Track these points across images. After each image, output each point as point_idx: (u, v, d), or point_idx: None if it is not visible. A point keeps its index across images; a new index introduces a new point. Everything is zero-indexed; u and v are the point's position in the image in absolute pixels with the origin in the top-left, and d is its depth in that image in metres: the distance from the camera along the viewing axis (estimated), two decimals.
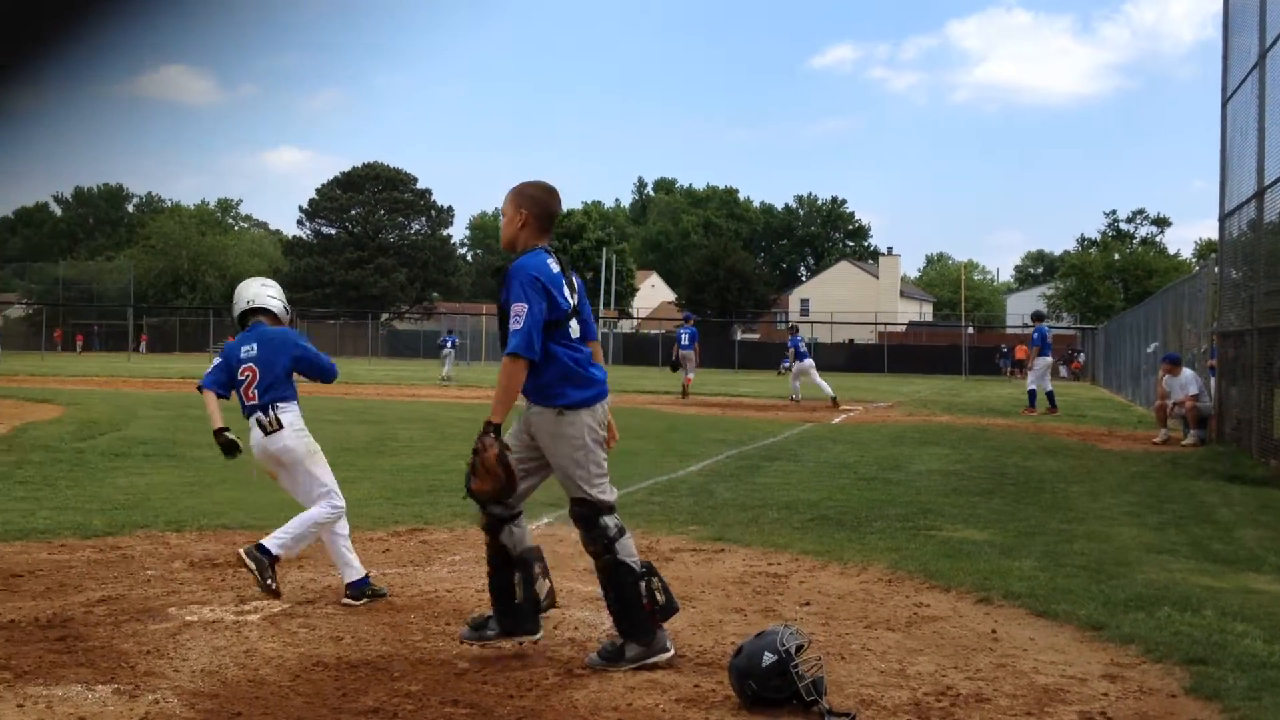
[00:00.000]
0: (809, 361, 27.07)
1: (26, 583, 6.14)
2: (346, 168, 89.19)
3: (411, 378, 38.01)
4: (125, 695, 4.23)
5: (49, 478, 10.53)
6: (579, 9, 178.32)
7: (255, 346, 6.02)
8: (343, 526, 6.01)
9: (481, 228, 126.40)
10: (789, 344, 28.09)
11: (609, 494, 4.87)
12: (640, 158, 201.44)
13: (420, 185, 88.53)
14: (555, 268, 4.86)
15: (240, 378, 5.99)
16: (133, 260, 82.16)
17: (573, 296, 4.93)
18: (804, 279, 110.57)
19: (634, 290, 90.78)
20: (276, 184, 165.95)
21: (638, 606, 4.76)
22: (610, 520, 4.82)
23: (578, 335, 4.91)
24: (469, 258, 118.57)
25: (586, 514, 4.82)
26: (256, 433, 5.96)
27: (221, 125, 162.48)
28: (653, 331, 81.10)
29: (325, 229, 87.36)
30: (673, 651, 4.84)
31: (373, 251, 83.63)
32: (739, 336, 76.49)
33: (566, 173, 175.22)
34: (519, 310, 4.68)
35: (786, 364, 28.10)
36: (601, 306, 75.73)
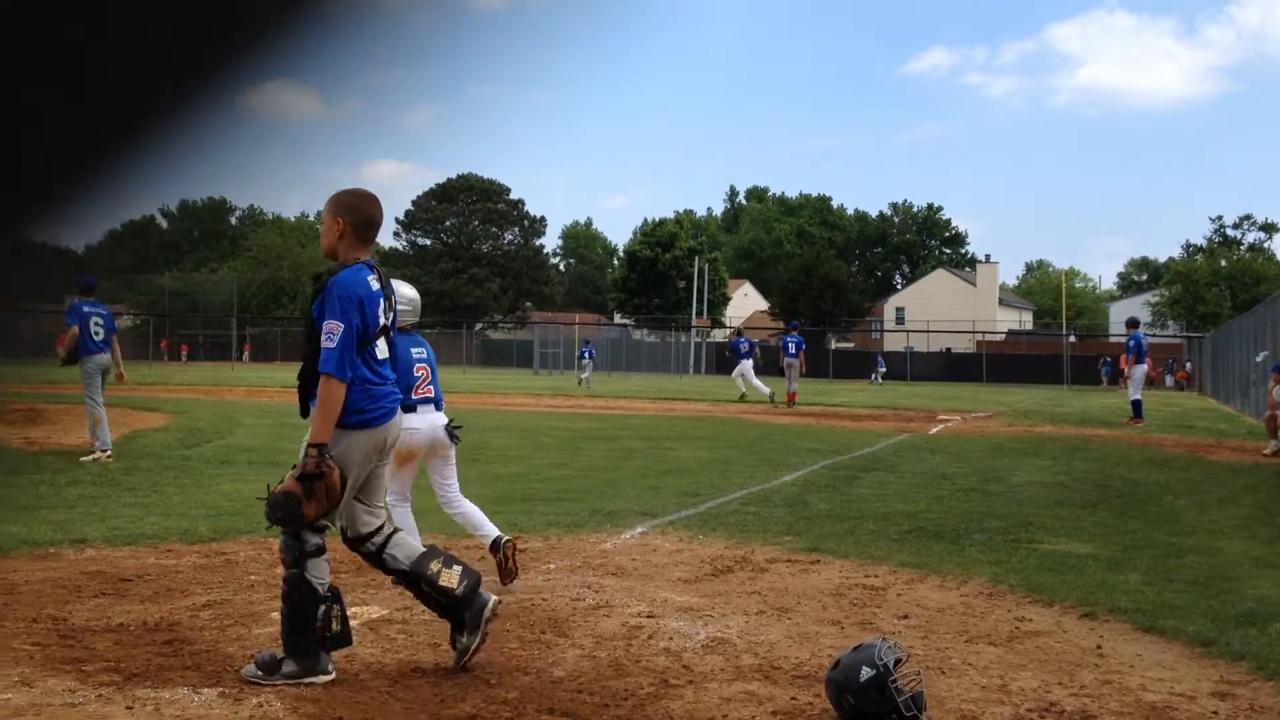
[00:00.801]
0: (748, 362, 29.57)
1: (135, 587, 6.30)
2: (442, 180, 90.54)
3: (505, 386, 38.34)
4: (230, 699, 4.31)
5: (156, 484, 10.80)
6: (666, 18, 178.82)
7: (425, 350, 6.67)
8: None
9: (574, 237, 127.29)
10: (733, 345, 31.90)
11: (331, 521, 4.72)
12: (732, 166, 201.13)
13: (513, 196, 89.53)
14: (375, 284, 4.78)
15: (416, 374, 6.58)
16: (236, 272, 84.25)
17: (385, 316, 4.83)
18: (899, 287, 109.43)
19: (726, 299, 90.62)
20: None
21: (310, 629, 4.58)
22: (313, 538, 4.66)
23: (384, 356, 4.83)
24: (561, 267, 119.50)
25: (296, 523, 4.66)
26: (440, 417, 6.58)
27: (323, 139, 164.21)
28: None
29: (421, 240, 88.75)
30: (333, 675, 4.60)
31: (467, 262, 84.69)
32: (833, 345, 75.98)
33: (658, 182, 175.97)
34: (333, 328, 4.58)
35: (882, 368, 29.01)
36: (694, 315, 75.72)
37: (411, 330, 6.64)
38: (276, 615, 5.65)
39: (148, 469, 11.97)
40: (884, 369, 59.76)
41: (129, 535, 7.86)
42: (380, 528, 4.96)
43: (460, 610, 4.83)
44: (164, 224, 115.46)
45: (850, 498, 10.57)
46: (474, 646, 4.83)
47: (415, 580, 4.89)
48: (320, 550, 4.68)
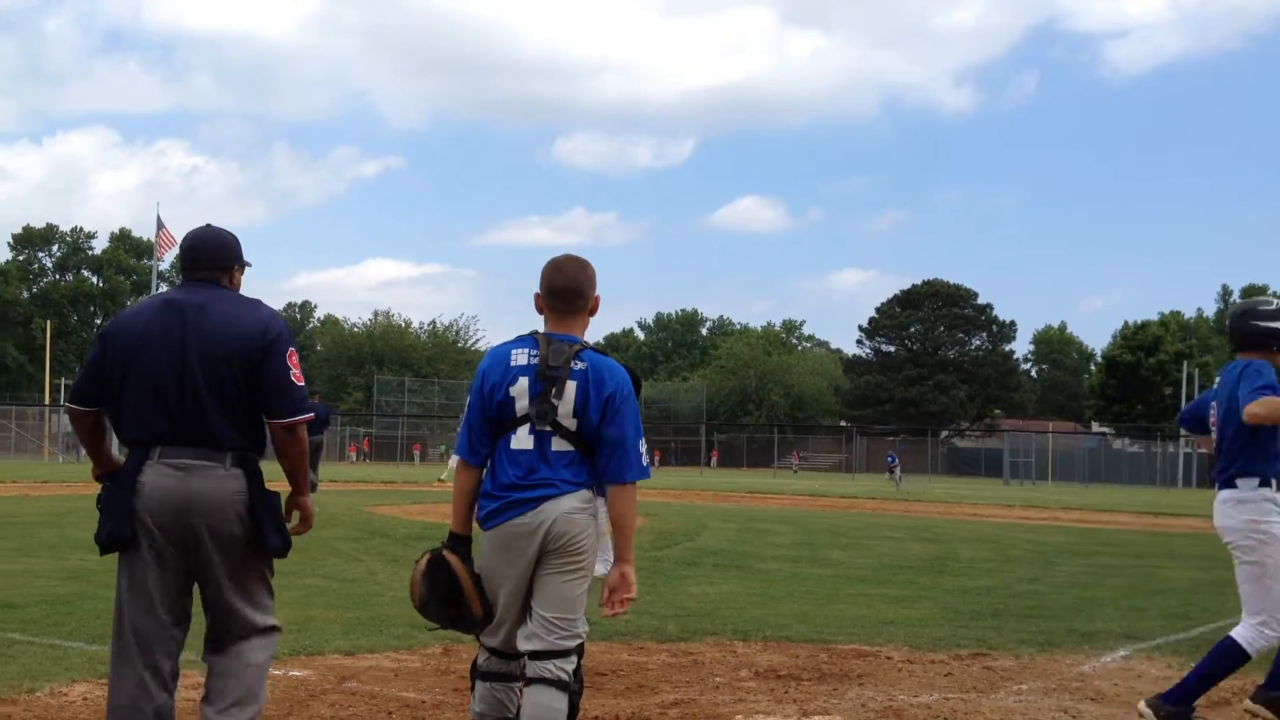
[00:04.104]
0: None
1: (609, 681, 6.57)
2: (906, 286, 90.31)
3: (974, 496, 37.18)
4: None
5: None
6: (1140, 93, 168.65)
7: None
8: None
9: (1046, 342, 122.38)
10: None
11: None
12: (1224, 263, 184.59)
13: (980, 300, 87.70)
14: (520, 359, 4.08)
15: None
16: (705, 380, 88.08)
17: (534, 401, 4.03)
18: None
19: None
20: (838, 304, 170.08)
21: None
22: (480, 654, 4.18)
23: (525, 446, 4.03)
24: (1033, 373, 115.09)
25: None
26: None
27: (789, 250, 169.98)
28: None
29: (885, 346, 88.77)
30: None
31: (932, 368, 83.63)
32: None
33: (1140, 283, 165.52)
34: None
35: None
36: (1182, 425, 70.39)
37: None
38: (740, 718, 5.69)
39: None
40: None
41: (605, 631, 8.22)
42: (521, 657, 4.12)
43: None
44: (641, 335, 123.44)
45: None
46: None
47: None
48: (474, 670, 4.21)
